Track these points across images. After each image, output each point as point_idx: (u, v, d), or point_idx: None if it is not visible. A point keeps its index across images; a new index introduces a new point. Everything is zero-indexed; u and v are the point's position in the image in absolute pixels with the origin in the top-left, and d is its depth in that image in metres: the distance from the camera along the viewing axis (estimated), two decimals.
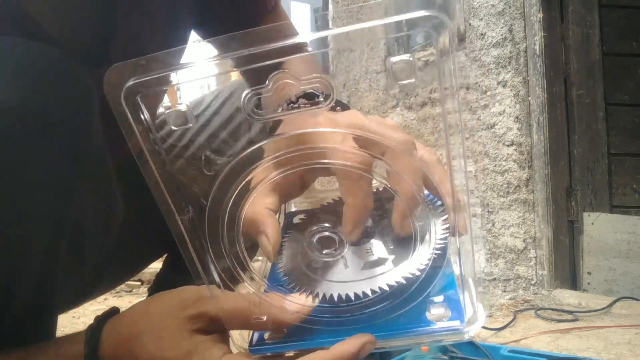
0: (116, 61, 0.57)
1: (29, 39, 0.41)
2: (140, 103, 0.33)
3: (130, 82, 0.32)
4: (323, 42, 0.33)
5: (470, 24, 2.40)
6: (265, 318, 0.39)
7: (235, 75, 0.78)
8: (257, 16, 0.65)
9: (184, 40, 0.68)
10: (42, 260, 0.42)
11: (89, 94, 0.44)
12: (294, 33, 0.31)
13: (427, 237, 0.40)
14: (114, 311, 0.43)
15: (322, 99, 0.34)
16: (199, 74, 0.33)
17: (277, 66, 0.32)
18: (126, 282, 1.96)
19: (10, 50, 0.40)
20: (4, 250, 0.39)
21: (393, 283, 0.39)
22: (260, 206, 0.41)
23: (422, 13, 0.30)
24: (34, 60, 0.40)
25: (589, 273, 1.93)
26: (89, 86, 0.44)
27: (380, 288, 0.39)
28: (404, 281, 0.39)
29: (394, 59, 0.32)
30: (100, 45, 0.55)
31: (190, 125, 0.33)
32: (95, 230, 0.51)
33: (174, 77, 0.33)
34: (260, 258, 0.46)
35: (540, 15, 2.06)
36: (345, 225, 0.39)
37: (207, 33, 0.67)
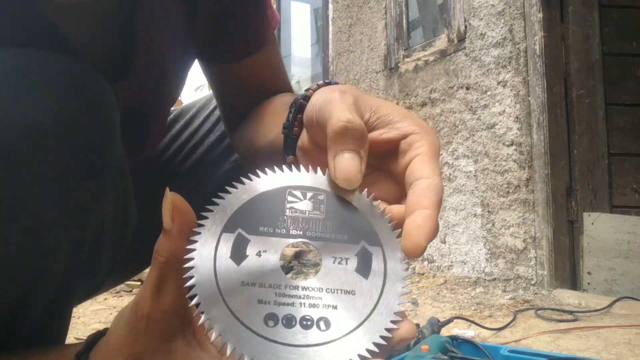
0: (137, 74, 0.57)
1: (55, 51, 0.42)
2: None
3: None
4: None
5: (470, 24, 2.40)
6: None
7: None
8: (255, 47, 0.66)
9: (193, 59, 0.68)
10: (62, 272, 0.43)
11: (113, 107, 0.44)
12: None
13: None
14: (97, 335, 0.38)
15: None
16: None
17: None
18: (126, 282, 1.96)
19: (36, 62, 0.40)
20: (27, 262, 0.39)
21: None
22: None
23: None
24: (60, 74, 0.41)
25: (589, 273, 1.93)
26: (112, 99, 0.44)
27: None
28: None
29: None
30: (122, 58, 0.56)
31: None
32: (112, 238, 0.51)
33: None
34: None
35: (540, 15, 2.06)
36: (431, 215, 0.30)
37: (209, 58, 0.68)
